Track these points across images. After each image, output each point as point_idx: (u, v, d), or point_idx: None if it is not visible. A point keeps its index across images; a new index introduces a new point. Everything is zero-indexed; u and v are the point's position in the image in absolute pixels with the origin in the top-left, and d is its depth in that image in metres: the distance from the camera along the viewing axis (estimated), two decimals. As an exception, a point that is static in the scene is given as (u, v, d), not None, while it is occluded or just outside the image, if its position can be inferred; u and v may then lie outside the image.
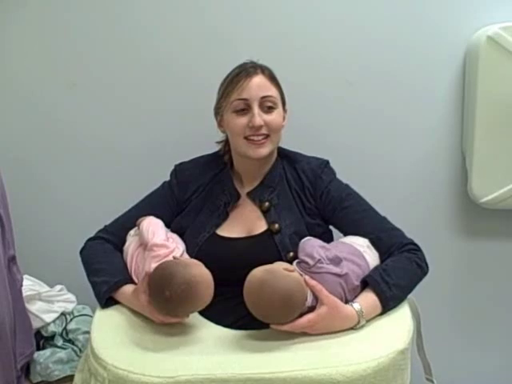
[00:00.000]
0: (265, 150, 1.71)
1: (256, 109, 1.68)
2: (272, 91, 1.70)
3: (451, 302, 2.27)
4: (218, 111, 1.76)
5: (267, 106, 1.69)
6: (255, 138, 1.69)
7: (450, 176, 2.16)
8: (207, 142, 1.89)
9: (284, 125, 1.76)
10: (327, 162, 1.80)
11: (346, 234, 1.73)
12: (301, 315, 1.44)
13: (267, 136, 1.70)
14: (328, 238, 1.74)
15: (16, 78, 2.16)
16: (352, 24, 2.07)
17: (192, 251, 1.69)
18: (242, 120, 1.69)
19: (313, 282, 1.46)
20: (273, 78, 1.73)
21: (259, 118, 1.67)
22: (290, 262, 1.56)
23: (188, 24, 2.09)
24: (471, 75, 2.01)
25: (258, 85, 1.69)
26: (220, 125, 1.79)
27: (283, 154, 1.83)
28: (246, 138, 1.70)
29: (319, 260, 1.49)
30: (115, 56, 2.13)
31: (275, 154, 1.81)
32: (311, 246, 1.55)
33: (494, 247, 2.22)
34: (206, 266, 1.52)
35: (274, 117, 1.70)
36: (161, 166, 1.88)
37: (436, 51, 2.07)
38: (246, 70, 1.71)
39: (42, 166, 2.21)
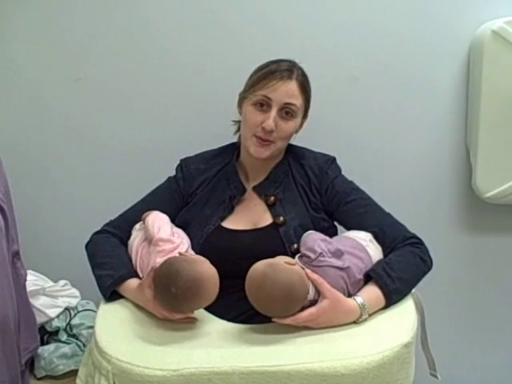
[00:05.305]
0: (266, 153, 1.72)
1: (274, 112, 1.68)
2: (297, 100, 1.70)
3: (454, 296, 2.26)
4: (243, 95, 1.77)
5: (286, 112, 1.70)
6: (261, 138, 1.70)
7: (454, 171, 2.16)
8: (212, 138, 1.91)
9: (298, 130, 1.79)
10: (334, 159, 1.81)
11: (349, 228, 1.73)
12: (303, 309, 1.44)
13: (273, 141, 1.71)
14: (332, 233, 1.74)
15: (20, 72, 2.16)
16: (356, 18, 2.07)
17: (197, 243, 1.69)
18: (258, 117, 1.70)
19: (314, 276, 1.46)
20: (303, 87, 1.72)
21: (272, 122, 1.67)
22: (294, 254, 1.57)
23: (193, 19, 2.09)
24: (476, 69, 2.00)
25: (287, 91, 1.69)
26: (239, 106, 1.79)
27: (290, 150, 1.83)
28: (255, 135, 1.71)
29: (321, 253, 1.49)
30: (120, 51, 2.13)
31: (282, 152, 1.81)
32: (312, 239, 1.54)
33: (497, 242, 2.21)
34: (211, 258, 1.52)
35: (288, 125, 1.71)
36: (166, 161, 1.89)
37: (440, 45, 2.07)
38: (281, 72, 1.70)
39: (45, 161, 2.21)
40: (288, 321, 1.43)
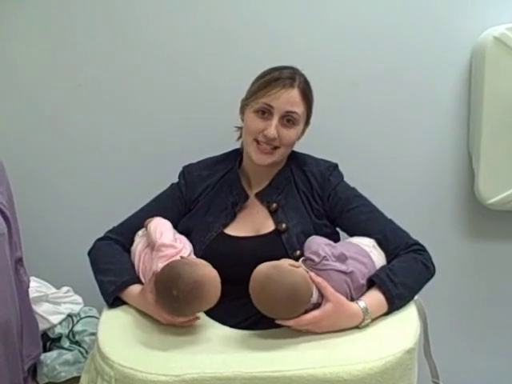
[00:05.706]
0: (269, 160, 1.73)
1: (275, 120, 1.68)
2: (299, 108, 1.70)
3: (457, 303, 2.26)
4: (245, 102, 1.77)
5: (287, 120, 1.70)
6: (264, 145, 1.71)
7: (456, 177, 2.16)
8: (215, 144, 1.91)
9: (300, 137, 1.79)
10: (336, 165, 1.81)
11: (352, 235, 1.72)
12: (306, 312, 1.44)
13: (276, 147, 1.71)
14: (335, 239, 1.73)
15: (21, 79, 2.16)
16: (357, 24, 2.08)
17: (199, 250, 1.69)
18: (260, 124, 1.70)
19: (318, 279, 1.46)
20: (305, 94, 1.72)
21: (274, 130, 1.68)
22: (296, 261, 1.56)
23: (196, 26, 2.10)
24: (478, 76, 2.01)
25: (289, 99, 1.68)
26: (241, 112, 1.79)
27: (292, 157, 1.83)
28: (256, 140, 1.71)
29: (325, 257, 1.49)
30: (121, 57, 2.13)
31: (284, 158, 1.81)
32: (317, 243, 1.55)
33: (500, 248, 2.21)
34: (213, 264, 1.52)
35: (290, 133, 1.71)
36: (168, 168, 1.88)
37: (442, 52, 2.07)
38: (283, 80, 1.69)
39: (48, 168, 2.21)
40: (291, 322, 1.44)
